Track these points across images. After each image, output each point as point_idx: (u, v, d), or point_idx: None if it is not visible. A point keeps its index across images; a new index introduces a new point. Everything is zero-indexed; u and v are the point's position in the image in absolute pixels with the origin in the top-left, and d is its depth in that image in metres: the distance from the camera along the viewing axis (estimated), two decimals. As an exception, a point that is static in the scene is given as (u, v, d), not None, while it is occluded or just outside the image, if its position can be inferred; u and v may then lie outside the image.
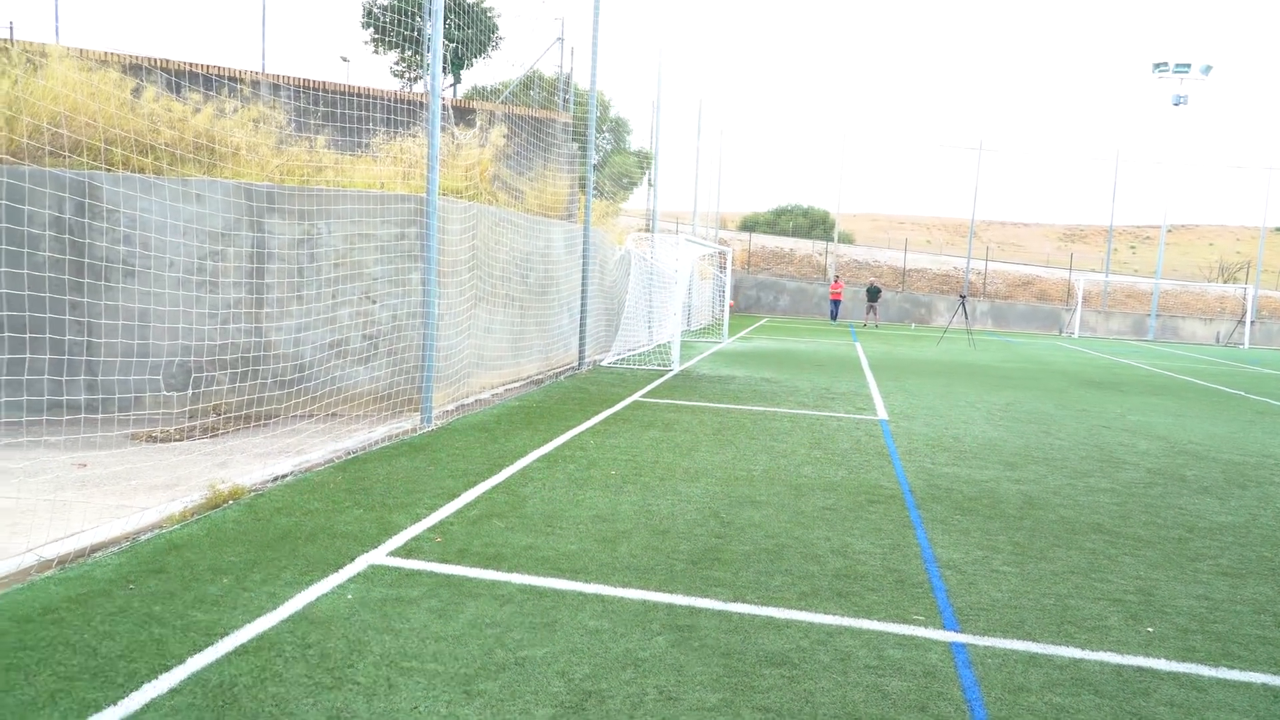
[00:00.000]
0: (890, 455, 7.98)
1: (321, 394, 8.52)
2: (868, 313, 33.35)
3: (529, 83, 17.98)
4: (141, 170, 8.24)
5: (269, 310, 8.47)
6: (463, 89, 20.62)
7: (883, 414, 10.50)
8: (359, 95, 12.91)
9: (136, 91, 9.12)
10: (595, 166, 14.69)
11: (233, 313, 8.31)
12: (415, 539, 4.95)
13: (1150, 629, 4.17)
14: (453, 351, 9.33)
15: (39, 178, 7.47)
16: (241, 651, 3.48)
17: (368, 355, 8.81)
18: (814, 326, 31.06)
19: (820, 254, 43.55)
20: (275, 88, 12.83)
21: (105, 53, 11.19)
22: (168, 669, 3.30)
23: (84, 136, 7.78)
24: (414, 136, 10.95)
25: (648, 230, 20.93)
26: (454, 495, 5.88)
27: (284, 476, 6.17)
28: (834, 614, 4.16)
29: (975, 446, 8.63)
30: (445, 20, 7.97)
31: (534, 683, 3.35)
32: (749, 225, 53.41)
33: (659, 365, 14.60)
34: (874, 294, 33.51)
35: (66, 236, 7.64)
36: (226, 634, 3.62)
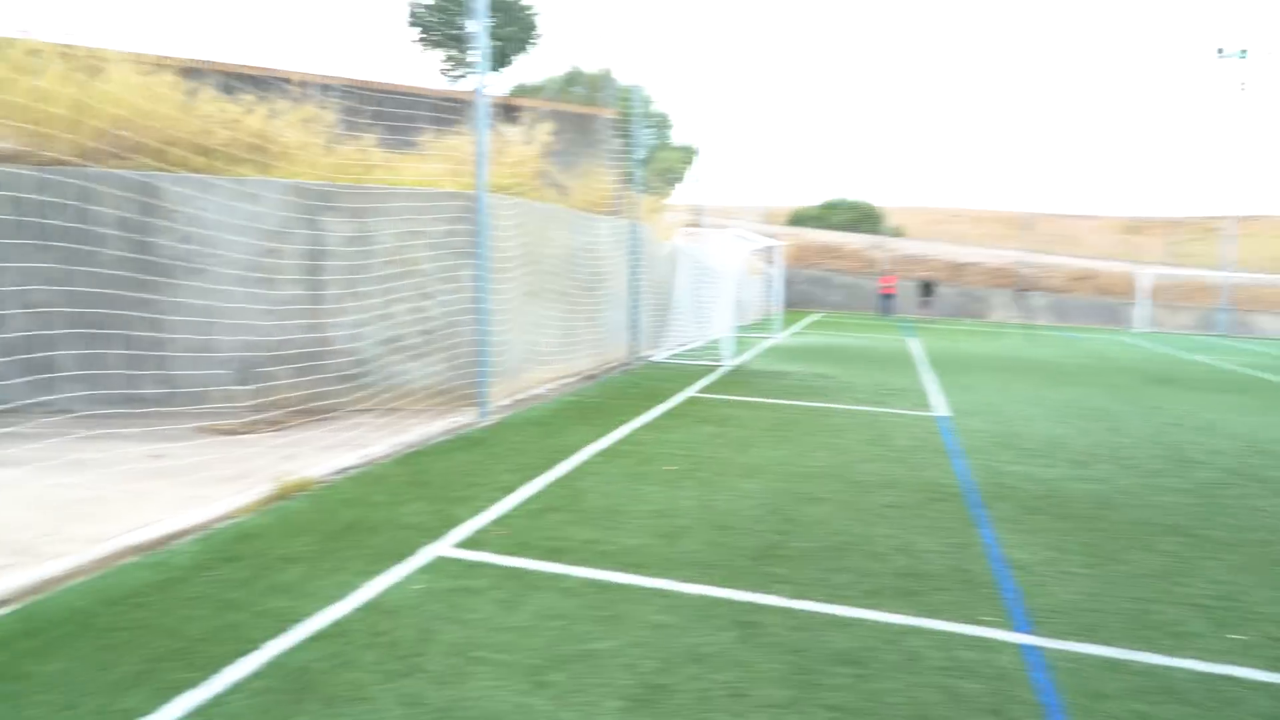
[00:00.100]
0: (951, 452, 7.83)
1: (380, 389, 8.66)
2: (920, 308, 32.82)
3: (573, 79, 18.07)
4: (199, 171, 8.46)
5: (327, 306, 8.64)
6: (508, 86, 20.80)
7: (941, 410, 10.30)
8: (406, 94, 13.07)
9: (191, 94, 9.35)
10: (641, 161, 14.67)
11: (291, 309, 8.49)
12: (479, 532, 5.00)
13: (1237, 636, 4.01)
14: (506, 347, 9.41)
15: (105, 179, 7.72)
16: (316, 638, 3.56)
17: (423, 351, 8.93)
18: (867, 322, 30.63)
19: (873, 248, 42.94)
20: (324, 88, 13.06)
21: (160, 57, 11.49)
22: (247, 653, 3.39)
23: (145, 139, 8.01)
24: (461, 134, 11.04)
25: (694, 225, 20.87)
26: (513, 489, 5.93)
27: (348, 469, 6.29)
28: (901, 613, 4.09)
29: (1039, 444, 8.41)
30: (487, 17, 8.00)
31: (602, 675, 3.36)
32: (797, 220, 52.90)
33: (711, 360, 14.53)
34: (927, 289, 32.96)
35: (133, 235, 7.88)
36: (300, 620, 3.70)
